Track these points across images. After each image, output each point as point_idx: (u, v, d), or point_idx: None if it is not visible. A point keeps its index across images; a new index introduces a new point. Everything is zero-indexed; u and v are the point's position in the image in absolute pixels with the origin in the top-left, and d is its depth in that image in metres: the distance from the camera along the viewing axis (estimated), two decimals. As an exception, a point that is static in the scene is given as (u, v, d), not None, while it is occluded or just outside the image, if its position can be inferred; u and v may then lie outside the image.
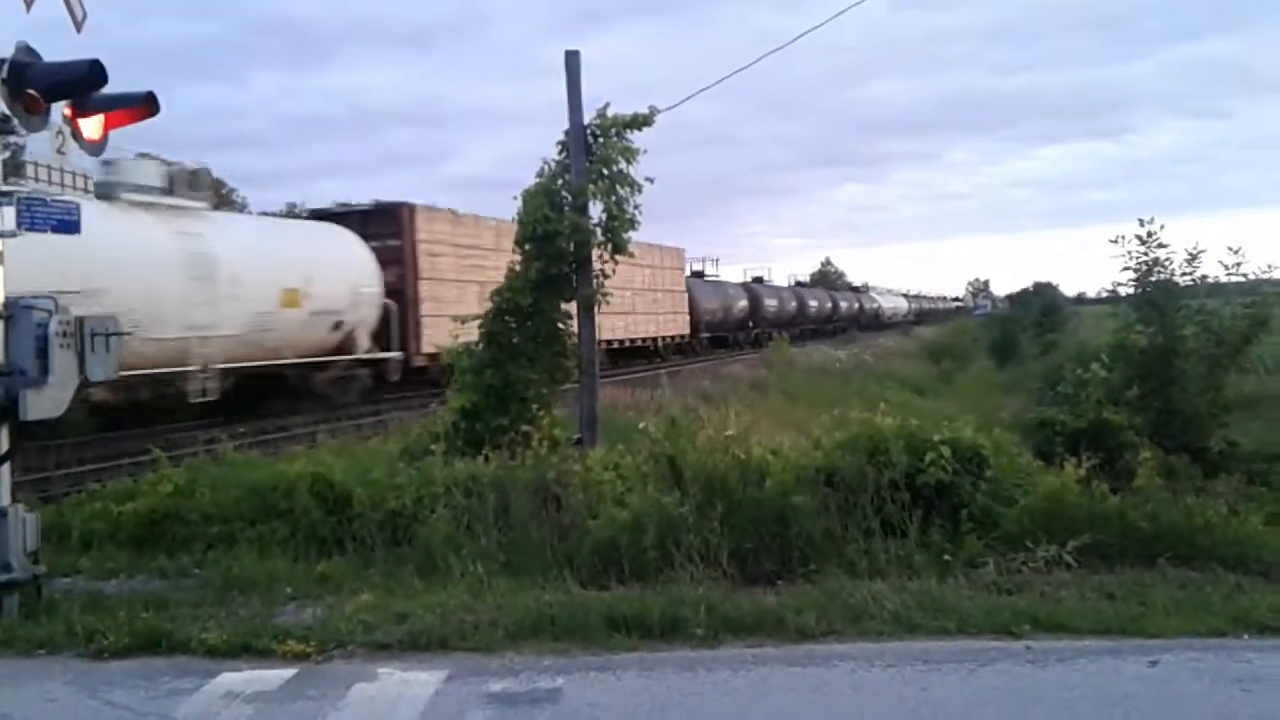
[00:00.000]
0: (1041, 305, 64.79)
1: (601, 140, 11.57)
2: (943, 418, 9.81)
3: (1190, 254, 12.72)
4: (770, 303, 60.98)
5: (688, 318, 45.94)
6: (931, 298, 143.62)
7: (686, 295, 45.95)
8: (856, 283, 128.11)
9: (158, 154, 19.00)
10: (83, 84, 7.68)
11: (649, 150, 11.63)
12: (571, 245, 11.39)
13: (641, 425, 10.10)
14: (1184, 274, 12.75)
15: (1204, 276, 12.93)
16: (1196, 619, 6.70)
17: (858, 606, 6.88)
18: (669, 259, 44.74)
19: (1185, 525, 8.06)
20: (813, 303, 72.95)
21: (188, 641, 6.61)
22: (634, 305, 38.21)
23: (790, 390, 32.76)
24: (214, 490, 9.80)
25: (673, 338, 44.79)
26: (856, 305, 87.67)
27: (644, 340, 40.51)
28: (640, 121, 11.57)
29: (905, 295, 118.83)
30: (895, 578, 7.48)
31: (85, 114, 7.79)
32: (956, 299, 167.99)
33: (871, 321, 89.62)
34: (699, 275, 54.48)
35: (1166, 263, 12.70)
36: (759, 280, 66.25)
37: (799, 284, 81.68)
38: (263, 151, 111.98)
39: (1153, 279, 12.71)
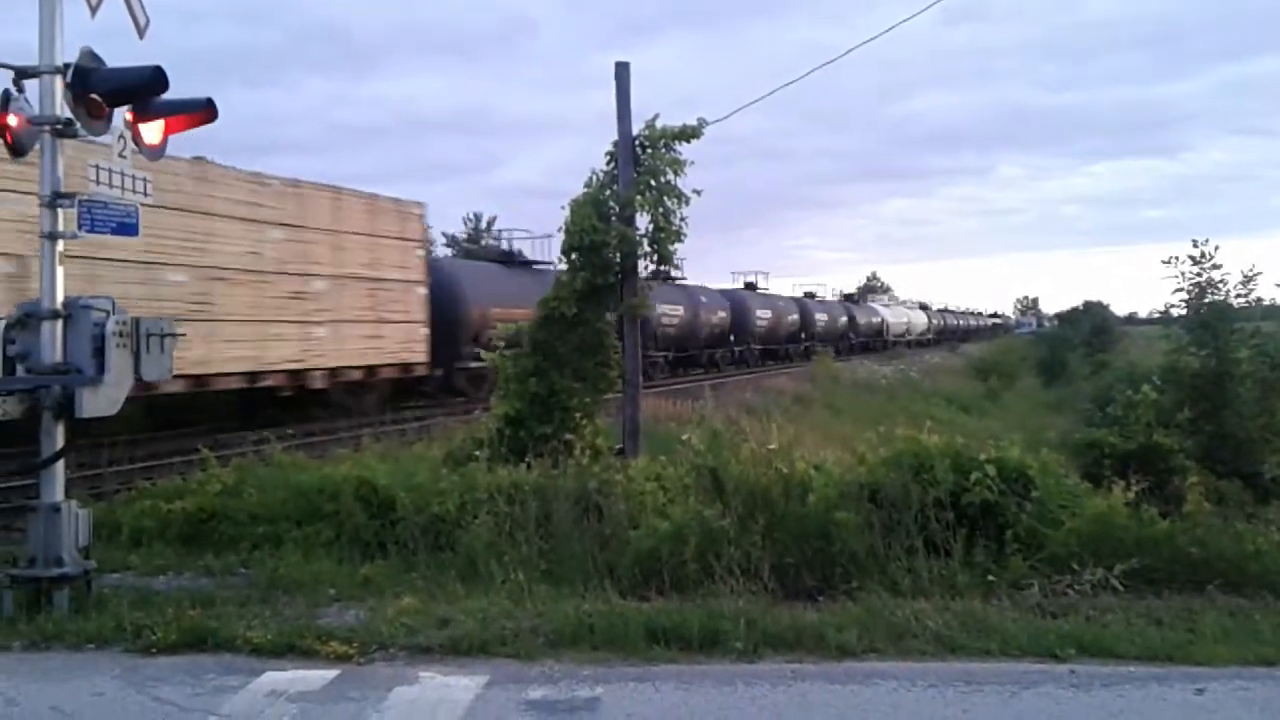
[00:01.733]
0: (1091, 324, 64.03)
1: (650, 151, 11.63)
2: (989, 436, 9.72)
3: (1245, 275, 12.52)
4: (820, 317, 61.48)
5: (427, 333, 25.08)
6: (961, 312, 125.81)
7: (424, 295, 25.18)
8: (914, 298, 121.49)
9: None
10: (145, 89, 7.85)
11: (696, 162, 11.68)
12: (618, 256, 11.44)
13: (684, 437, 10.10)
14: (1239, 296, 12.54)
15: (1259, 299, 12.72)
16: (1245, 647, 6.56)
17: (900, 625, 6.82)
18: (379, 219, 23.57)
19: (1236, 552, 7.91)
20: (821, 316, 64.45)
21: (233, 639, 6.70)
22: (256, 305, 19.60)
23: (834, 405, 32.60)
24: (261, 491, 9.96)
25: (396, 368, 24.13)
26: (845, 319, 66.68)
27: (297, 375, 20.83)
28: (689, 133, 11.62)
29: (925, 308, 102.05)
30: (938, 597, 7.41)
31: (146, 119, 7.96)
32: (995, 315, 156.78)
33: (871, 340, 71.47)
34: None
35: (1221, 284, 12.50)
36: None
37: (846, 297, 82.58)
38: (313, 157, 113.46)
39: (1206, 300, 12.51)
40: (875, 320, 75.81)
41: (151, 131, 7.99)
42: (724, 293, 49.65)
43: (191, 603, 7.48)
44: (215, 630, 6.81)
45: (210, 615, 7.16)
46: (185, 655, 6.58)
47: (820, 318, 61.37)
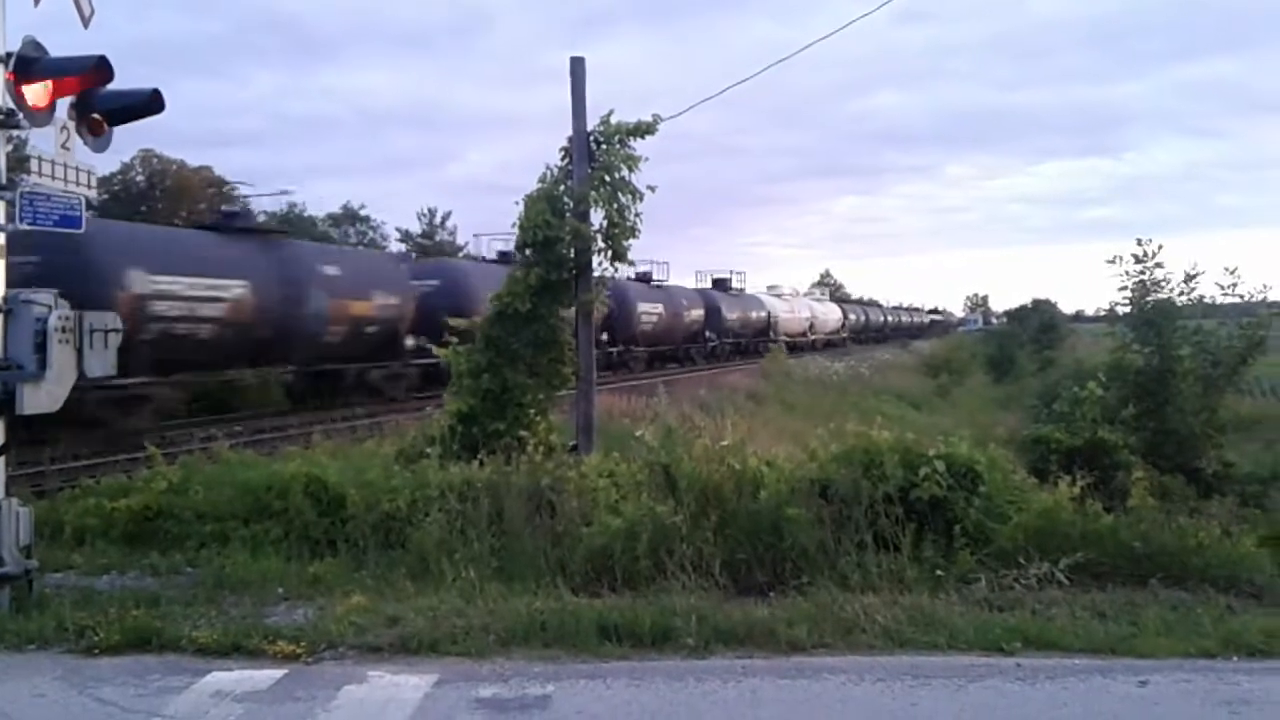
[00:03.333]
0: (1039, 322, 64.96)
1: (604, 147, 11.61)
2: (938, 432, 9.82)
3: (1188, 274, 12.77)
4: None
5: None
6: (893, 308, 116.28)
7: None
8: (865, 296, 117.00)
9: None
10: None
11: (651, 158, 11.68)
12: (572, 251, 11.42)
13: (638, 433, 10.11)
14: (1181, 294, 12.78)
15: (1201, 297, 12.97)
16: (1187, 640, 6.70)
17: (849, 620, 6.89)
18: None
19: (1178, 546, 8.07)
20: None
21: (178, 639, 6.62)
22: None
23: (787, 401, 32.79)
24: (208, 488, 9.81)
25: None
26: (699, 314, 48.88)
27: None
28: (643, 129, 11.61)
29: (843, 302, 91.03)
30: (887, 592, 7.48)
31: (90, 111, 7.81)
32: (936, 311, 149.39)
33: (748, 340, 55.26)
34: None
35: (1164, 283, 12.74)
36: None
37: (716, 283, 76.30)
38: (263, 150, 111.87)
39: (1150, 299, 12.74)
40: (757, 315, 57.69)
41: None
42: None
43: (136, 602, 7.36)
44: (160, 630, 6.72)
45: (155, 615, 7.05)
46: (129, 656, 6.48)
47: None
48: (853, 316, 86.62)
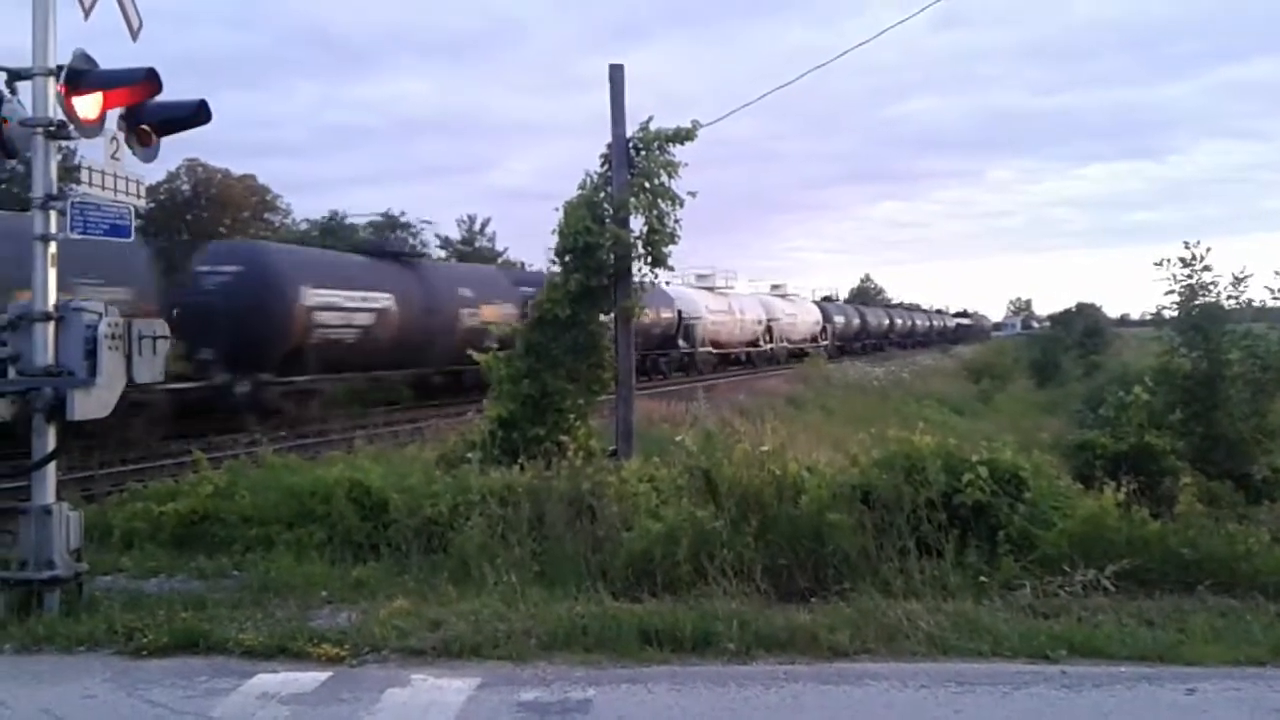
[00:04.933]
0: (1084, 326, 64.27)
1: (643, 154, 11.65)
2: (981, 438, 9.74)
3: (1236, 277, 12.54)
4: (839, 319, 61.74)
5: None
6: (910, 309, 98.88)
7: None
8: (904, 300, 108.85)
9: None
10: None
11: (690, 164, 11.70)
12: (612, 258, 11.45)
13: (677, 438, 10.10)
14: (1229, 297, 12.56)
15: (1250, 300, 12.74)
16: (1236, 648, 6.59)
17: (892, 626, 6.83)
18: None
19: (1226, 553, 7.94)
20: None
21: (225, 642, 6.69)
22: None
23: (827, 407, 32.62)
24: (253, 493, 9.95)
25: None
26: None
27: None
28: (683, 135, 11.63)
29: (826, 300, 71.83)
30: (930, 598, 7.42)
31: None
32: (964, 314, 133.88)
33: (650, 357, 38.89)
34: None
35: (1211, 286, 12.52)
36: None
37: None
38: (304, 159, 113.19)
39: (1197, 302, 12.53)
40: (664, 316, 39.10)
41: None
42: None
43: (183, 605, 7.45)
44: (207, 633, 6.80)
45: (202, 618, 7.13)
46: (177, 658, 6.57)
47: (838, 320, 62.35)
48: (838, 319, 67.49)
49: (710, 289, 50.08)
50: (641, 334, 33.85)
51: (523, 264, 37.84)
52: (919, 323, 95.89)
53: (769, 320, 53.82)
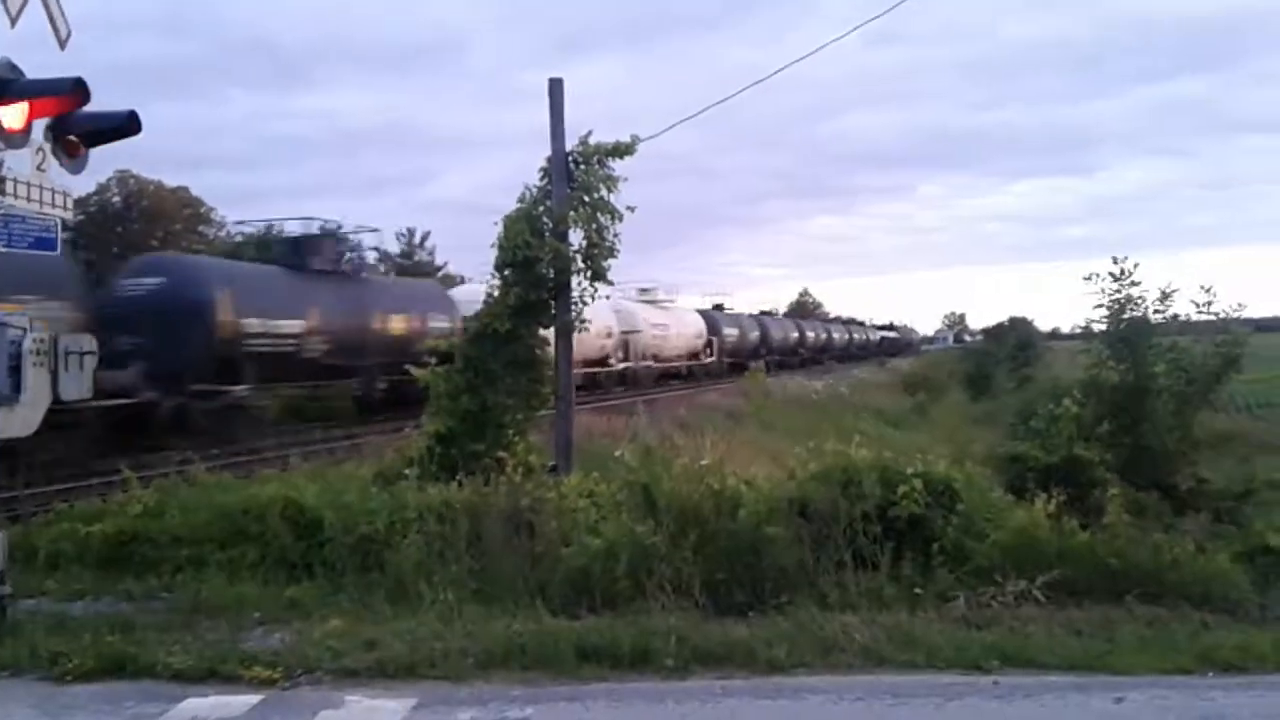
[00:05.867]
0: (1016, 340, 65.41)
1: (583, 168, 11.66)
2: (916, 450, 9.86)
3: (1163, 292, 12.85)
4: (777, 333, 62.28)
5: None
6: (814, 322, 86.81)
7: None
8: (843, 314, 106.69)
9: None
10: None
11: (630, 178, 11.73)
12: (551, 272, 11.43)
13: (617, 453, 10.10)
14: (1156, 312, 12.87)
15: (1176, 315, 13.05)
16: (1163, 656, 6.75)
17: (828, 639, 6.90)
18: None
19: (1153, 562, 8.12)
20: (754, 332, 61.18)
21: (153, 665, 6.56)
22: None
23: (766, 421, 32.81)
24: (184, 512, 9.72)
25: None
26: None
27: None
28: (622, 150, 11.66)
29: (715, 310, 59.75)
30: (866, 610, 7.50)
31: (67, 132, 7.78)
32: (889, 327, 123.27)
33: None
34: (719, 308, 56.94)
35: (1139, 300, 12.82)
36: (766, 313, 66.86)
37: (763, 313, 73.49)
38: (242, 172, 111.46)
39: (1125, 316, 12.82)
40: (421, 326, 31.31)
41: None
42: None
43: (110, 628, 7.29)
44: (134, 656, 6.67)
45: (129, 641, 6.99)
46: (103, 683, 6.43)
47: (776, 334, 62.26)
48: (730, 332, 56.95)
49: (653, 303, 49.80)
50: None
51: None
52: (835, 336, 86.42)
53: (624, 336, 44.77)
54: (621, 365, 41.88)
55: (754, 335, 61.78)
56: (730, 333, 56.98)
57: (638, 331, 43.80)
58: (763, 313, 68.21)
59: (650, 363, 45.57)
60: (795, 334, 73.45)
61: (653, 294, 51.77)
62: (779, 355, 64.67)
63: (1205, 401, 12.77)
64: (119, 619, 7.72)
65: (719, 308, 57.49)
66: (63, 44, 7.87)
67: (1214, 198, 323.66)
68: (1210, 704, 5.99)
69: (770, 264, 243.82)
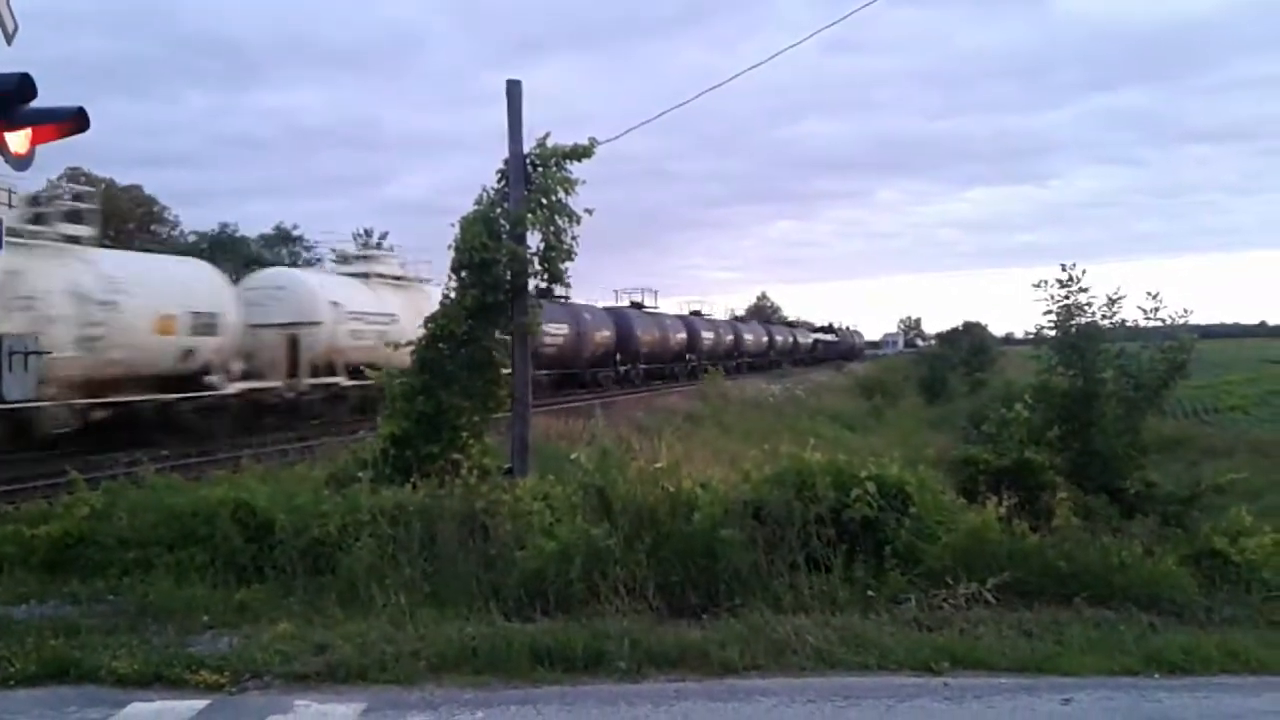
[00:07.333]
0: (970, 345, 66.22)
1: (541, 170, 11.59)
2: (871, 453, 9.93)
3: (1110, 298, 13.02)
4: (707, 335, 60.71)
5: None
6: (717, 322, 68.14)
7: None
8: (792, 318, 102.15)
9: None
10: (13, 97, 7.56)
11: (588, 181, 11.69)
12: (508, 274, 11.37)
13: (573, 455, 10.07)
14: (1105, 318, 13.03)
15: (1124, 321, 13.22)
16: (1110, 658, 6.85)
17: (781, 641, 6.92)
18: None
19: (1102, 565, 8.24)
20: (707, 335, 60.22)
21: (97, 670, 6.45)
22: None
23: (724, 423, 32.93)
24: (132, 514, 9.55)
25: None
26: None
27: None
28: (580, 153, 11.61)
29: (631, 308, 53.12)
30: (819, 613, 7.54)
31: (12, 128, 7.61)
32: (828, 329, 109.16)
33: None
34: (638, 306, 54.30)
35: (1087, 306, 12.98)
36: (696, 314, 65.40)
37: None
38: (195, 170, 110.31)
39: (1074, 322, 12.97)
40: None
41: (17, 140, 7.54)
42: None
43: (54, 632, 7.15)
44: (78, 660, 6.56)
45: (74, 645, 6.87)
46: (46, 687, 6.32)
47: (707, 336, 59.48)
48: (562, 328, 39.45)
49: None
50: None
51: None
52: (748, 339, 73.23)
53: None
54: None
55: (680, 337, 56.40)
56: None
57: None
58: (692, 313, 64.65)
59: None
60: (730, 337, 67.71)
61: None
62: (708, 360, 57.75)
63: (1153, 407, 12.95)
64: (63, 622, 7.57)
65: (637, 305, 55.36)
66: (9, 38, 7.71)
67: (1163, 205, 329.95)
68: (1156, 705, 6.09)
69: (730, 268, 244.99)
